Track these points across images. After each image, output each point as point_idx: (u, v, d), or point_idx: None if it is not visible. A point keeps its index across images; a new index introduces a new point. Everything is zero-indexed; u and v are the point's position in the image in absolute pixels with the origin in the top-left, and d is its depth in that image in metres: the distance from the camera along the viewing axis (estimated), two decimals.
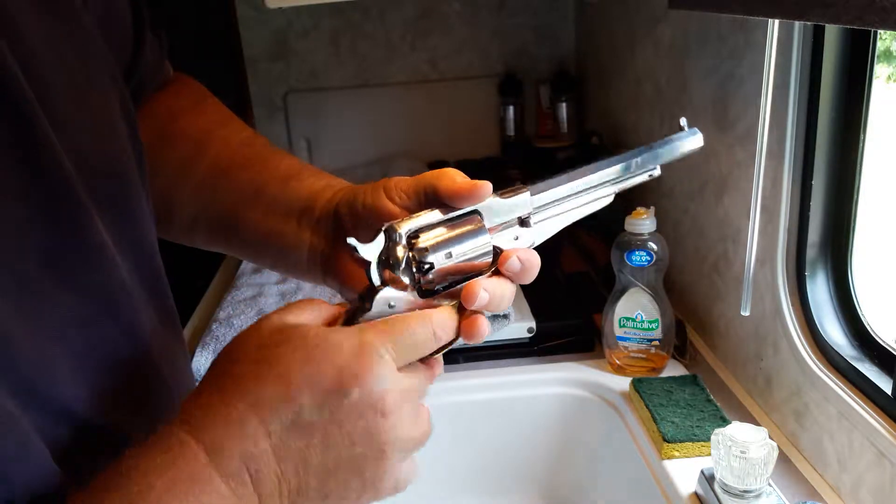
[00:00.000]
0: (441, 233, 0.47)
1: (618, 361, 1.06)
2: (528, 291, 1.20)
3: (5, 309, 0.38)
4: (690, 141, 0.57)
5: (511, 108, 1.88)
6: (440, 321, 0.45)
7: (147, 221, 0.51)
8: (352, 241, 0.45)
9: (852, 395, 0.77)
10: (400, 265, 0.45)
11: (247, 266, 1.40)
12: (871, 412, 0.74)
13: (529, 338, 1.13)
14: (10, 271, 0.38)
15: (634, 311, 1.03)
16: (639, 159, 0.55)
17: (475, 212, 0.49)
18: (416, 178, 0.51)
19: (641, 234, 1.00)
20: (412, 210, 0.50)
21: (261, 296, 1.26)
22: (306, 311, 0.44)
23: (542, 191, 0.52)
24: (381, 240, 0.45)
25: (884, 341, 0.79)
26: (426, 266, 0.46)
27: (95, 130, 0.47)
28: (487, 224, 0.49)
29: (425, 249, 0.46)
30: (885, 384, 0.74)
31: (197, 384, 0.43)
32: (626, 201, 1.36)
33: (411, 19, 1.86)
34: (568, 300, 1.23)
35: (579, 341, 1.14)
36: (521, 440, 1.12)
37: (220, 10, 1.83)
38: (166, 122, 0.63)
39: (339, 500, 0.42)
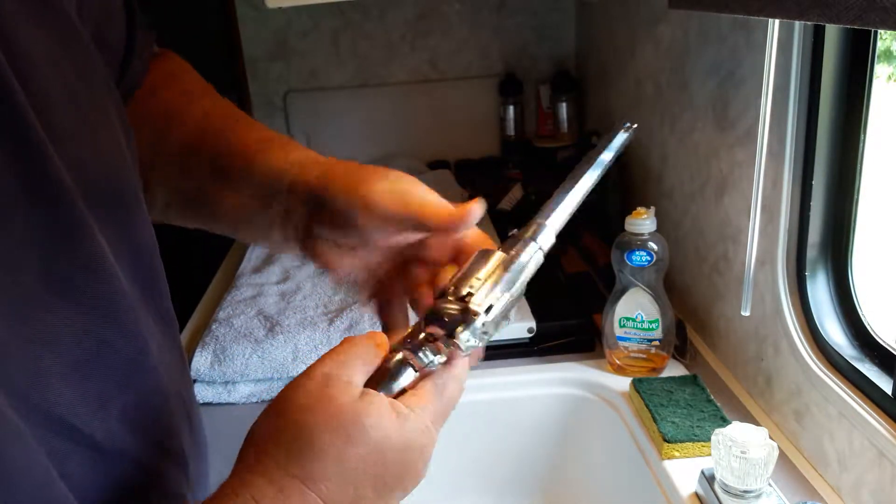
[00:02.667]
0: (503, 309, 0.48)
1: (618, 361, 1.06)
2: (529, 291, 1.19)
3: (1, 318, 0.38)
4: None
5: (511, 108, 1.88)
6: (463, 376, 0.49)
7: (146, 228, 0.51)
8: (436, 326, 0.46)
9: (852, 395, 0.77)
10: (468, 343, 0.46)
11: (247, 266, 1.40)
12: (872, 412, 0.74)
13: (529, 338, 1.13)
14: (7, 281, 0.38)
15: (635, 312, 1.03)
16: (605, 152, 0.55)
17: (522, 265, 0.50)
18: (402, 202, 0.50)
19: (642, 234, 1.00)
20: (388, 221, 0.50)
21: (261, 296, 1.26)
22: (358, 370, 0.45)
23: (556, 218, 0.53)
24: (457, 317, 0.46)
25: (884, 341, 0.79)
26: (486, 339, 0.47)
27: (94, 141, 0.47)
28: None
29: (487, 329, 0.47)
30: (885, 384, 0.74)
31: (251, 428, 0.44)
32: (627, 201, 1.37)
33: (411, 19, 1.86)
34: (568, 300, 1.23)
35: (579, 341, 1.14)
36: (521, 440, 1.12)
37: (219, 10, 1.84)
38: (139, 101, 0.63)
39: None
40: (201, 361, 1.08)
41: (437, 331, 0.46)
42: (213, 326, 1.16)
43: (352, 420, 0.42)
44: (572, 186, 0.53)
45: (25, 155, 0.40)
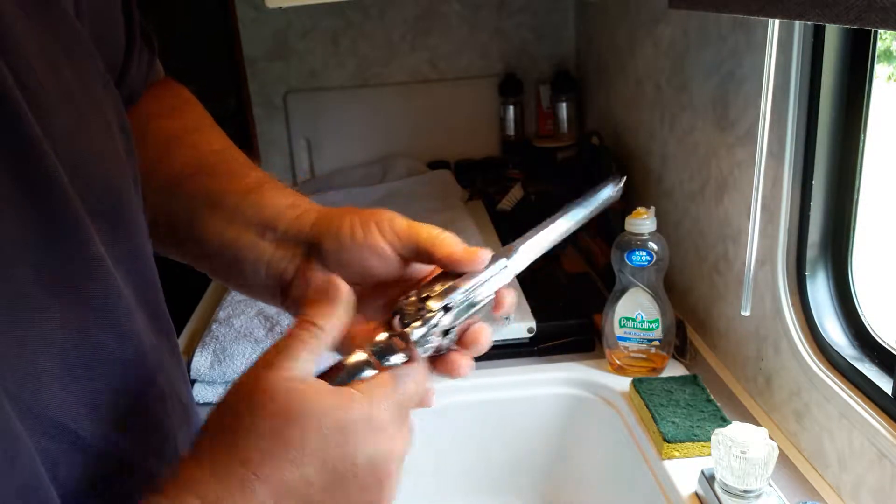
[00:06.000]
0: (465, 311, 0.50)
1: (618, 361, 1.06)
2: (529, 292, 1.20)
3: None
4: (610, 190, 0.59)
5: (511, 108, 1.88)
6: (421, 377, 0.47)
7: (142, 230, 0.51)
8: (396, 321, 0.47)
9: (852, 395, 0.77)
10: (426, 343, 0.47)
11: None
12: (872, 412, 0.74)
13: (529, 338, 1.13)
14: (1, 281, 0.38)
15: (635, 312, 1.03)
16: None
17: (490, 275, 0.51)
18: (411, 229, 0.52)
19: (642, 234, 1.00)
20: (398, 252, 0.53)
21: None
22: (308, 362, 0.44)
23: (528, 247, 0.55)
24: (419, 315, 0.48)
25: (884, 341, 0.79)
26: (447, 342, 0.49)
27: (90, 140, 0.46)
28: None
29: (450, 329, 0.49)
30: (885, 384, 0.74)
31: (198, 412, 0.43)
32: (627, 201, 1.37)
33: (411, 19, 1.85)
34: (568, 300, 1.23)
35: (579, 341, 1.14)
36: (521, 440, 1.12)
37: (219, 10, 1.83)
38: (141, 123, 0.62)
39: None
40: (201, 361, 1.08)
41: (396, 328, 0.47)
42: (213, 326, 1.16)
43: (270, 390, 0.41)
44: (557, 219, 0.56)
45: (21, 153, 0.39)
